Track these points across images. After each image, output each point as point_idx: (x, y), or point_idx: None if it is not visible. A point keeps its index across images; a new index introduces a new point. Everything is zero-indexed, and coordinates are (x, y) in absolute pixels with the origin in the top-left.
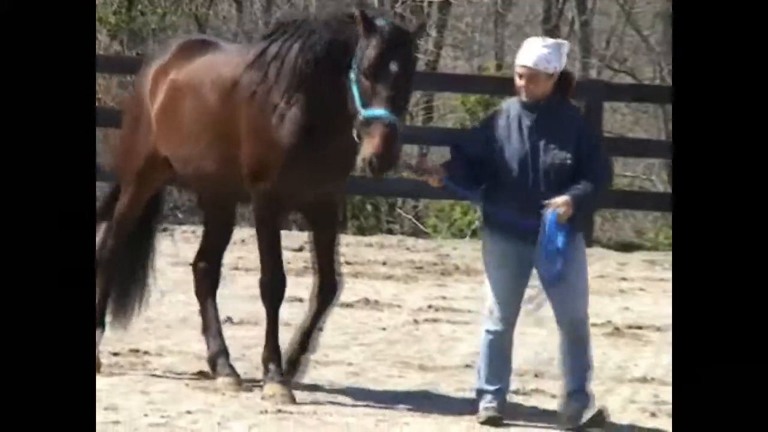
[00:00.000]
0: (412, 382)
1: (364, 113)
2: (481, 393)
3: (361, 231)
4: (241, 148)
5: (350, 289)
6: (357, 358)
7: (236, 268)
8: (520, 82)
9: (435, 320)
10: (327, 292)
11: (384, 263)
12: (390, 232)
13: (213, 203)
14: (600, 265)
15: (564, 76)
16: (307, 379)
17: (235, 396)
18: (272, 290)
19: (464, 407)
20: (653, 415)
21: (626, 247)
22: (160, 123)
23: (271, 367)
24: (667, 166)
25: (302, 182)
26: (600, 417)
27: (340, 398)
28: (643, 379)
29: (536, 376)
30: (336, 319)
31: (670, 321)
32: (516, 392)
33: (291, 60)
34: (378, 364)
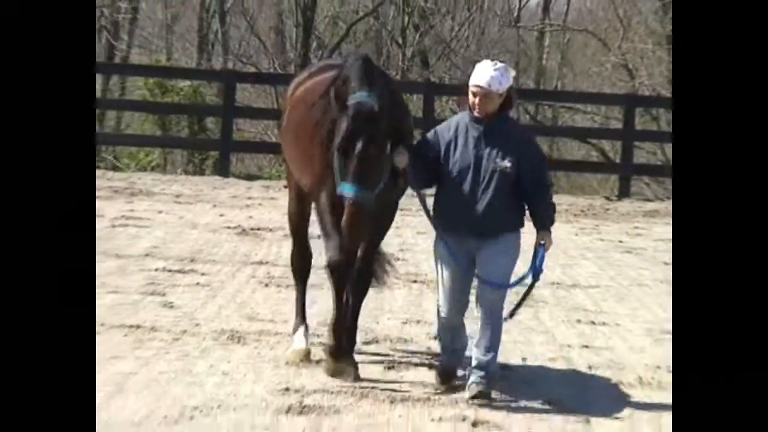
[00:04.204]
0: (109, 266)
1: (339, 187)
2: (443, 349)
3: None
4: (307, 169)
5: None
6: None
7: None
8: (474, 100)
9: (125, 225)
10: (363, 280)
11: None
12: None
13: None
14: (233, 189)
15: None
16: None
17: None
18: (339, 273)
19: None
20: (266, 285)
21: (251, 177)
22: (284, 134)
23: (336, 342)
24: None
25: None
26: (488, 390)
27: None
28: (260, 263)
29: None
30: None
31: (278, 225)
32: None
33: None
34: None
